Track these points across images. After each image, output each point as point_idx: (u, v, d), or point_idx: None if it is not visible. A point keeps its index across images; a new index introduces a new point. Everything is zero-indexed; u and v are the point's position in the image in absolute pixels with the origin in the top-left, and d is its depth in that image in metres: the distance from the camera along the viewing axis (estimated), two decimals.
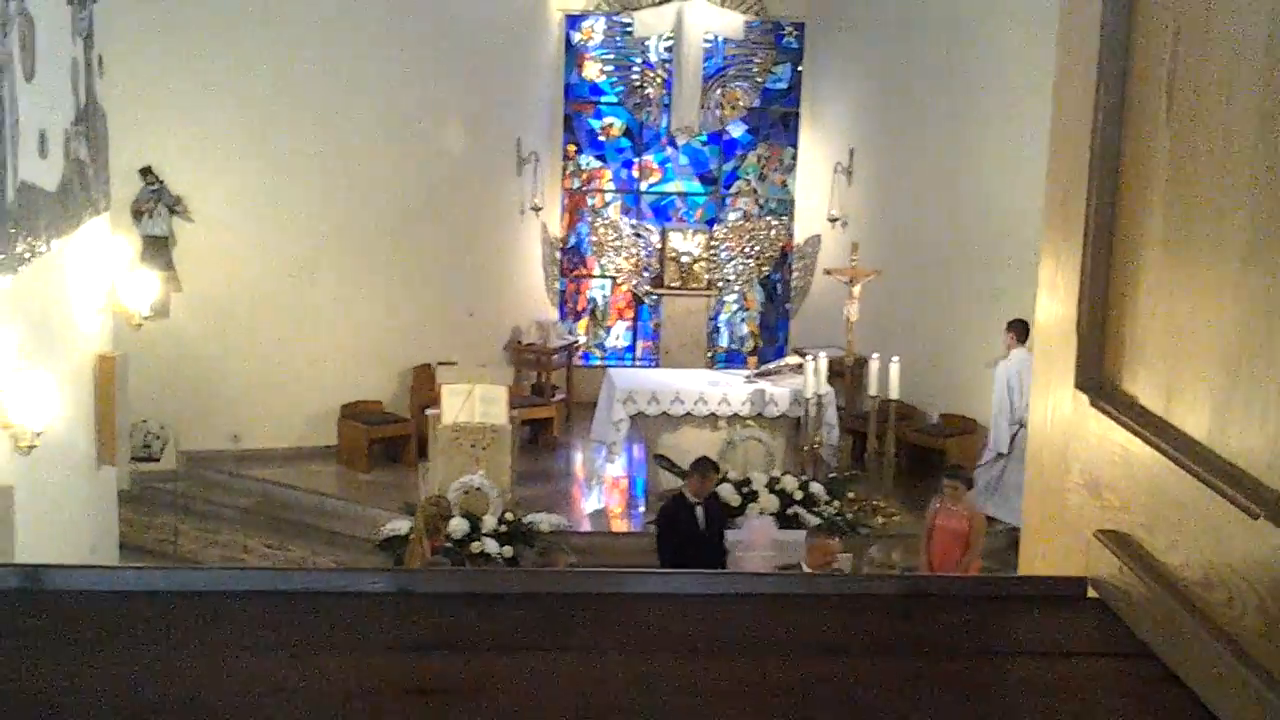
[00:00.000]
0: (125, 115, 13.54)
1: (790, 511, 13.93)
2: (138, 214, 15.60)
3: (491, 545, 13.18)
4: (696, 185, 19.16)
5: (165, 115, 15.53)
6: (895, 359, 14.66)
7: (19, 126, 9.14)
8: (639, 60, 18.46)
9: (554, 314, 18.51)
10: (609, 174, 19.00)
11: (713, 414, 15.21)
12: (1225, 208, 2.63)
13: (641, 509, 15.27)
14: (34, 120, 9.53)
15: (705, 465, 12.72)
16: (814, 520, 13.73)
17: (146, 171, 15.60)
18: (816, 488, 14.23)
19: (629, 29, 18.29)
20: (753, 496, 14.00)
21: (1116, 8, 3.11)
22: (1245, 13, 2.67)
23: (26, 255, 9.28)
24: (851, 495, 14.67)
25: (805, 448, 15.05)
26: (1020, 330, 14.11)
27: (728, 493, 13.89)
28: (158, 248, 15.69)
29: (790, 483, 14.18)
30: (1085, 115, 3.20)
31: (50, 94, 10.08)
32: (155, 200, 15.67)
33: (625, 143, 18.96)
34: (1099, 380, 3.14)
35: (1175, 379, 2.88)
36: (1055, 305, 3.35)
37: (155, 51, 15.29)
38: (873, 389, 14.99)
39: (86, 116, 11.13)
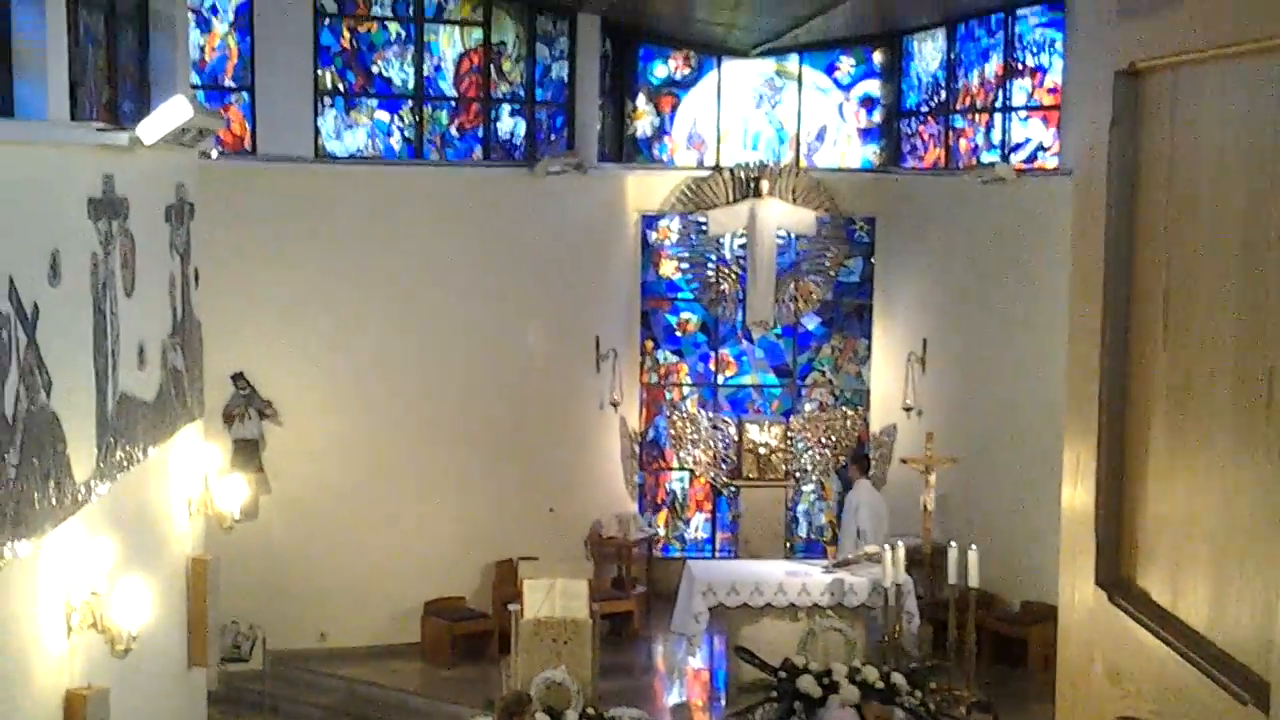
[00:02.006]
0: (219, 324, 14.09)
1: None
2: (229, 418, 16.11)
3: None
4: (772, 377, 19.44)
5: (256, 323, 16.14)
6: (974, 547, 14.69)
7: (119, 340, 9.61)
8: (714, 257, 18.88)
9: (633, 507, 18.71)
10: (686, 368, 19.33)
11: (792, 604, 15.24)
12: (1213, 417, 2.87)
13: (723, 702, 15.27)
14: (133, 333, 10.01)
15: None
16: (898, 712, 13.71)
17: (238, 377, 16.13)
18: (898, 678, 14.14)
19: (704, 227, 18.76)
20: (834, 688, 13.94)
21: (1118, 244, 3.40)
22: (1223, 246, 2.95)
23: (125, 463, 9.69)
24: (934, 685, 14.59)
25: (886, 637, 15.02)
26: (863, 463, 16.99)
27: (808, 684, 13.89)
28: (248, 451, 16.14)
29: (871, 673, 14.12)
30: (1094, 330, 3.46)
31: (149, 308, 10.57)
32: (246, 405, 16.18)
33: (701, 337, 19.32)
34: (1116, 577, 3.36)
35: (1180, 575, 3.10)
36: (1076, 503, 3.58)
37: (247, 264, 15.95)
38: (952, 577, 14.95)
39: (182, 328, 11.62)
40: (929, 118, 19.10)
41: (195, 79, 16.29)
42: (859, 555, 15.97)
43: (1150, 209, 3.11)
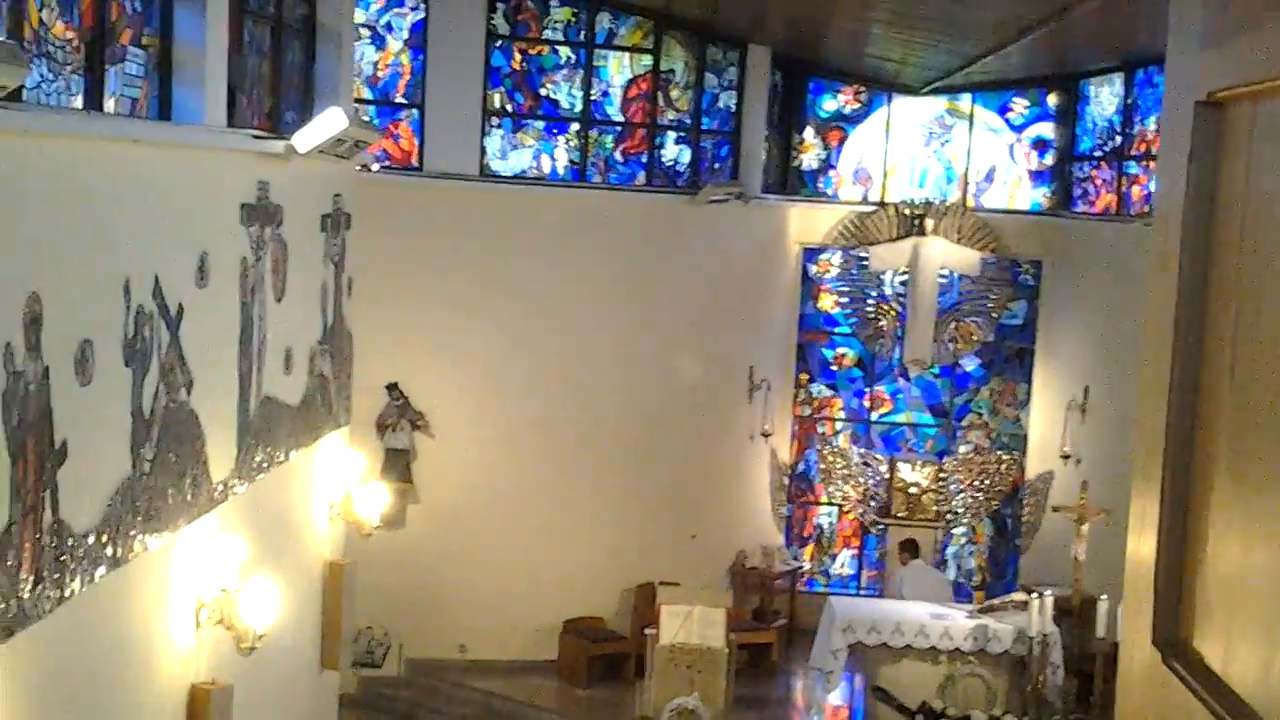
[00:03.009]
0: (375, 334, 14.37)
1: None
2: (382, 428, 16.38)
3: None
4: (927, 417, 19.23)
5: (413, 335, 16.42)
6: (1123, 600, 14.34)
7: (266, 344, 9.82)
8: (874, 293, 18.75)
9: (779, 539, 18.61)
10: (840, 403, 19.20)
11: (934, 647, 15.03)
12: (1274, 474, 2.76)
13: None
14: (281, 338, 10.21)
15: None
16: None
17: (393, 388, 16.40)
18: None
19: (865, 263, 18.64)
20: None
21: (1191, 288, 3.29)
22: None
23: (265, 464, 9.88)
24: None
25: (1029, 688, 14.74)
26: (911, 548, 16.74)
27: None
28: (399, 460, 16.40)
29: None
30: (1164, 377, 3.36)
31: (299, 314, 10.78)
32: (399, 415, 16.44)
33: (857, 373, 19.18)
34: (1172, 638, 3.24)
35: (1232, 640, 2.98)
36: (1139, 558, 3.48)
37: (408, 277, 16.23)
38: (1100, 630, 14.63)
39: (333, 336, 11.83)
40: (1102, 162, 18.76)
41: (367, 94, 16.66)
42: (1005, 602, 15.71)
43: (1224, 250, 3.02)
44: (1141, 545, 3.32)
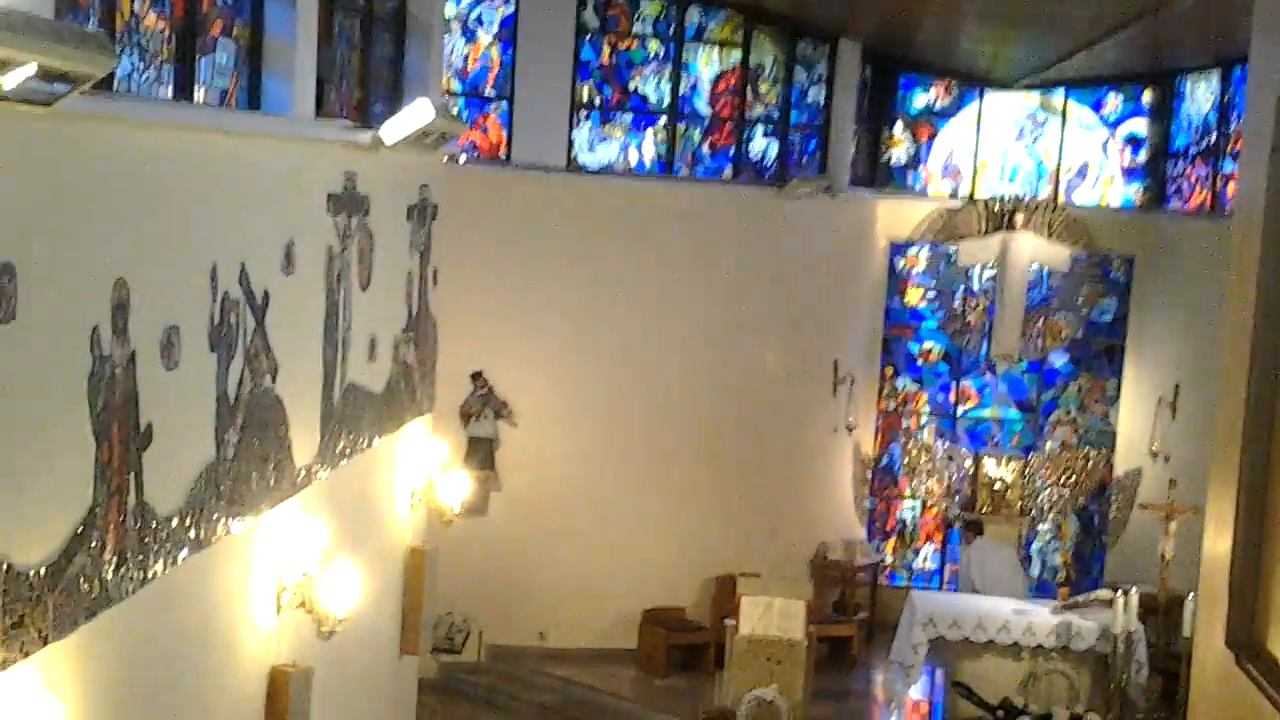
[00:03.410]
0: (460, 324, 14.49)
1: None
2: (466, 416, 16.53)
3: None
4: (1014, 412, 19.12)
5: (498, 325, 16.57)
6: None
7: (351, 331, 9.94)
8: (962, 287, 18.67)
9: (861, 533, 18.59)
10: (925, 397, 19.14)
11: (1016, 643, 14.98)
12: None
13: None
14: (366, 326, 10.33)
15: None
16: None
17: (477, 376, 16.54)
18: None
19: (953, 258, 18.55)
20: None
21: (1272, 286, 3.28)
22: None
23: (348, 451, 10.01)
24: None
25: (1112, 686, 14.64)
26: (976, 527, 16.94)
27: None
28: (482, 449, 16.55)
29: None
30: (1244, 375, 3.35)
31: (383, 303, 10.90)
32: (483, 404, 16.58)
33: (943, 367, 19.11)
34: (1246, 640, 3.24)
35: None
36: (1215, 557, 3.47)
37: (494, 268, 16.38)
38: (1186, 629, 14.50)
39: (417, 325, 11.94)
40: (1197, 160, 18.54)
41: (457, 86, 16.80)
42: (1090, 599, 15.61)
43: None
44: (1217, 545, 3.31)
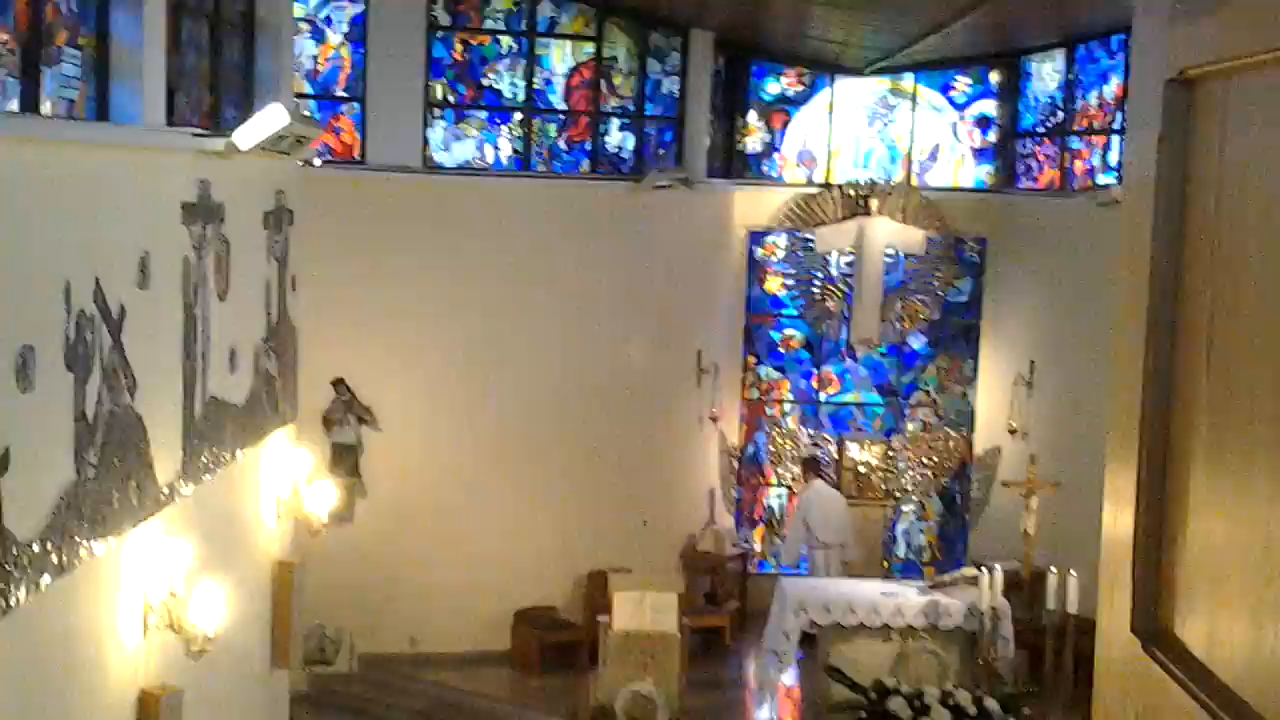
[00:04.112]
0: (320, 330, 14.26)
1: None
2: (328, 423, 16.32)
3: None
4: (875, 396, 19.29)
5: (358, 330, 16.39)
6: (1073, 572, 14.47)
7: (210, 343, 9.73)
8: (820, 274, 18.77)
9: (730, 522, 18.66)
10: (788, 385, 19.24)
11: (886, 625, 15.12)
12: (1255, 455, 2.76)
13: None
14: (226, 337, 10.13)
15: None
16: None
17: (339, 383, 16.34)
18: (991, 703, 14.03)
19: (811, 244, 18.66)
20: (925, 711, 13.87)
21: (1163, 268, 3.29)
22: (1272, 271, 2.84)
23: (211, 465, 9.80)
24: (1028, 712, 14.43)
25: (980, 661, 14.85)
26: (813, 466, 17.48)
27: (899, 706, 13.78)
28: (346, 456, 16.35)
29: (964, 697, 14.02)
30: (1138, 356, 3.35)
31: (243, 312, 10.69)
32: (345, 410, 16.37)
33: (805, 354, 19.23)
34: (1151, 625, 3.24)
35: (1216, 625, 2.97)
36: (1115, 540, 3.47)
37: (353, 272, 16.18)
38: (1051, 603, 14.74)
39: (278, 333, 11.74)
40: (1045, 139, 18.86)
41: (308, 88, 16.55)
42: (956, 577, 15.81)
43: (1198, 230, 3.02)
44: (1117, 529, 3.32)
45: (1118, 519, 3.34)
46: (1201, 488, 2.99)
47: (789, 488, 18.79)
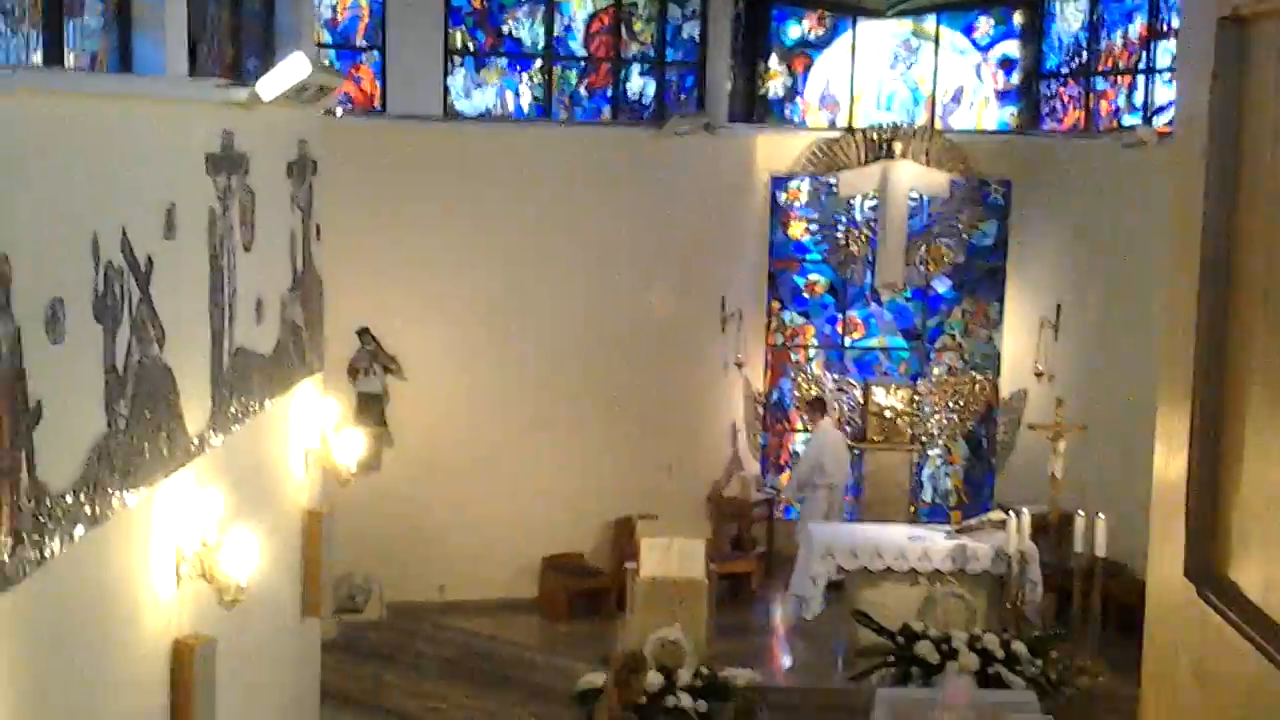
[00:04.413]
0: (344, 279, 14.21)
1: (992, 671, 13.73)
2: (354, 373, 16.33)
3: (686, 700, 13.25)
4: (900, 340, 19.23)
5: (383, 279, 16.34)
6: (1100, 515, 14.46)
7: (236, 294, 9.71)
8: (844, 219, 18.68)
9: (756, 468, 18.65)
10: (813, 330, 19.19)
11: (913, 570, 15.21)
12: None
13: (840, 665, 15.23)
14: (252, 288, 10.10)
15: None
16: (1017, 681, 13.54)
17: (364, 332, 16.32)
18: (1019, 646, 14.01)
19: (834, 189, 18.57)
20: (952, 654, 13.84)
21: (1218, 211, 3.22)
22: None
23: (240, 415, 9.80)
24: (1055, 655, 14.42)
25: (1008, 605, 14.87)
26: (820, 407, 17.43)
27: (926, 650, 13.79)
28: (372, 405, 16.35)
29: (992, 641, 14.00)
30: (1191, 298, 3.30)
31: (268, 263, 10.66)
32: (371, 360, 16.37)
33: (829, 299, 19.17)
34: (1205, 569, 3.20)
35: (1274, 568, 2.92)
36: (1167, 485, 3.42)
37: (375, 221, 16.14)
38: (1078, 546, 14.75)
39: (303, 283, 11.71)
40: (1069, 80, 18.72)
41: (327, 38, 16.46)
42: (983, 521, 15.82)
43: (1253, 173, 2.97)
44: (1169, 475, 3.28)
45: (1170, 464, 3.30)
46: (1257, 432, 2.95)
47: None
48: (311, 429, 11.91)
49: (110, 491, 7.29)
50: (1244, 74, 3.17)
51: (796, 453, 19.11)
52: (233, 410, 9.61)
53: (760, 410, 18.88)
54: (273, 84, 9.59)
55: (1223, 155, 3.13)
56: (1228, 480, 3.13)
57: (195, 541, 8.48)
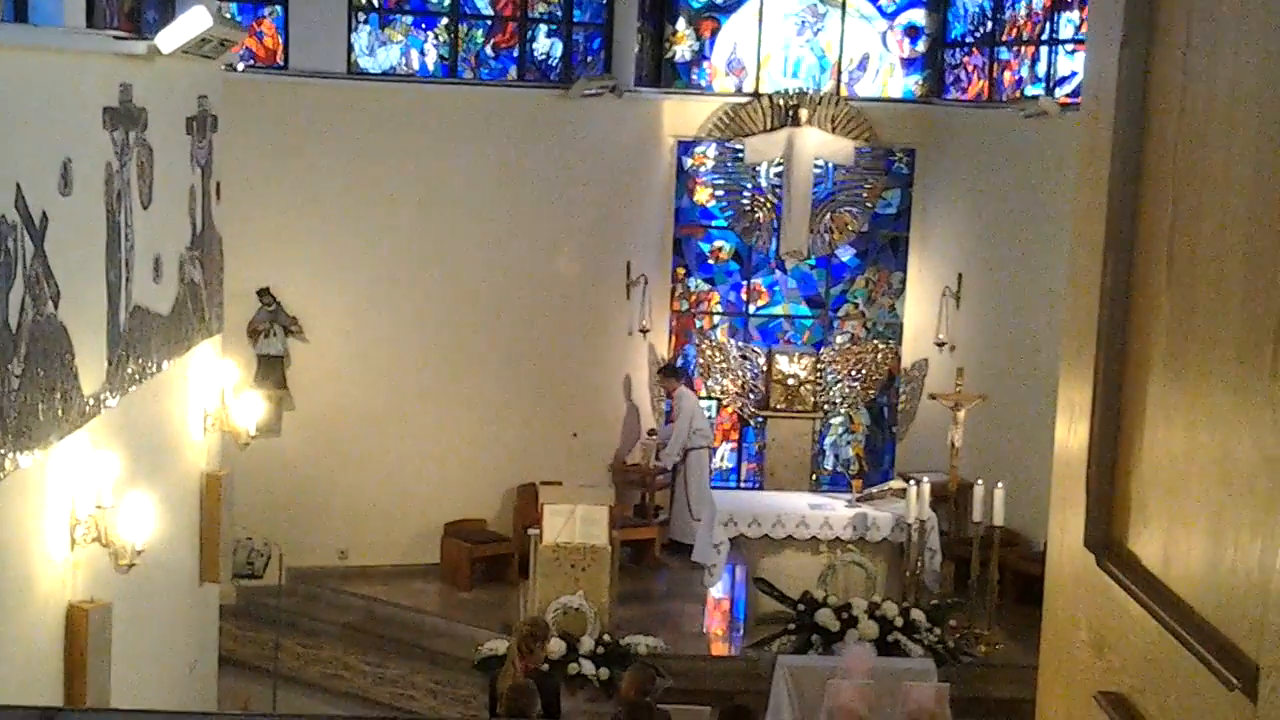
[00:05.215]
0: (243, 239, 14.04)
1: (891, 638, 13.87)
2: (254, 334, 16.11)
3: (588, 667, 13.27)
4: (804, 308, 19.26)
5: (281, 239, 16.13)
6: (1000, 485, 14.61)
7: (134, 252, 9.53)
8: (750, 185, 18.65)
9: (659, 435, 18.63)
10: (717, 297, 19.17)
11: (814, 537, 15.24)
12: (1214, 367, 2.71)
13: (741, 632, 15.29)
14: (149, 246, 9.93)
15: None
16: (916, 649, 13.68)
17: (264, 293, 16.09)
18: (918, 614, 14.15)
19: (740, 155, 18.51)
20: (852, 622, 13.95)
21: (1123, 179, 3.22)
22: (1232, 183, 2.77)
23: (137, 376, 9.63)
24: (954, 623, 14.60)
25: (907, 573, 14.98)
26: (675, 373, 17.93)
27: (827, 618, 13.88)
28: (273, 367, 16.14)
29: (891, 609, 14.12)
30: (1095, 268, 3.30)
31: (166, 220, 10.48)
32: (271, 321, 16.15)
33: (734, 266, 19.14)
34: (1105, 539, 3.20)
35: (1173, 540, 2.94)
36: (1069, 455, 3.43)
37: (276, 179, 15.90)
38: (977, 515, 14.90)
39: (202, 242, 11.53)
40: (974, 49, 18.78)
41: None
42: (883, 490, 15.92)
43: (1159, 141, 2.98)
44: (1071, 444, 3.28)
45: (1072, 433, 3.32)
46: (1159, 402, 2.95)
47: (718, 399, 18.74)
48: (210, 391, 11.75)
49: (3, 452, 7.13)
50: (1152, 41, 3.17)
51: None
52: (129, 371, 9.45)
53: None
54: (172, 37, 9.42)
55: (1129, 121, 3.13)
56: (1128, 451, 3.14)
57: (90, 504, 8.34)
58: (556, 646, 12.99)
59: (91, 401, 8.59)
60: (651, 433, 18.20)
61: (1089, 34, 4.10)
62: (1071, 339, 3.48)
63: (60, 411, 8.00)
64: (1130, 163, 3.19)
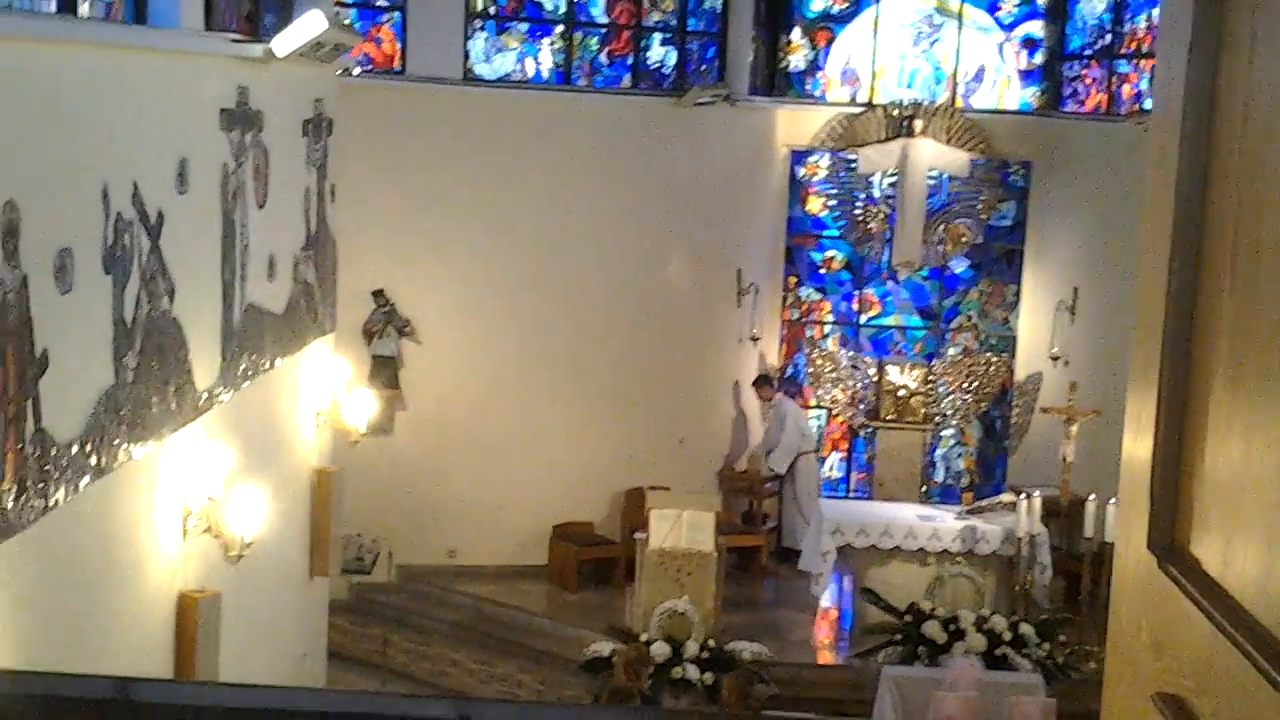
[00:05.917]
0: (359, 241, 14.29)
1: (999, 652, 13.72)
2: (368, 335, 16.35)
3: (692, 671, 13.28)
4: (916, 320, 19.18)
5: (396, 242, 16.35)
6: (1112, 500, 14.43)
7: (249, 251, 9.75)
8: (863, 195, 18.61)
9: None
10: (829, 306, 19.14)
11: (922, 549, 15.12)
12: (1275, 374, 2.72)
13: (847, 642, 15.25)
14: (264, 245, 10.15)
15: None
16: (1024, 663, 13.56)
17: (379, 294, 16.35)
18: (1027, 629, 13.98)
19: (853, 165, 18.48)
20: (959, 635, 13.82)
21: (1190, 184, 3.22)
22: None
23: (250, 372, 9.85)
24: (1063, 638, 14.41)
25: (1017, 588, 14.84)
26: (769, 382, 18.09)
27: (934, 630, 13.79)
28: (386, 367, 16.38)
29: (999, 623, 13.97)
30: (1162, 275, 3.31)
31: (281, 221, 10.70)
32: (385, 322, 16.39)
33: (846, 276, 19.11)
34: (1168, 542, 3.20)
35: (1232, 543, 2.94)
36: (1135, 460, 3.45)
37: (393, 182, 16.13)
38: (1088, 530, 14.72)
39: (316, 242, 11.75)
40: (1092, 61, 18.61)
41: None
42: (994, 503, 15.80)
43: (1226, 145, 2.98)
44: (1137, 449, 3.29)
45: (1138, 440, 3.33)
46: (1221, 408, 2.96)
47: (828, 409, 18.72)
48: (323, 389, 11.96)
49: (117, 443, 7.32)
50: (1220, 45, 3.17)
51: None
52: (242, 366, 9.66)
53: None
54: (288, 40, 9.62)
55: (1196, 123, 3.12)
56: (1190, 458, 3.15)
57: (202, 496, 8.53)
58: (661, 650, 13.02)
59: (205, 396, 8.80)
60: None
61: (1159, 39, 4.10)
62: (1140, 349, 3.50)
63: (174, 405, 8.20)
64: (1197, 169, 3.20)
